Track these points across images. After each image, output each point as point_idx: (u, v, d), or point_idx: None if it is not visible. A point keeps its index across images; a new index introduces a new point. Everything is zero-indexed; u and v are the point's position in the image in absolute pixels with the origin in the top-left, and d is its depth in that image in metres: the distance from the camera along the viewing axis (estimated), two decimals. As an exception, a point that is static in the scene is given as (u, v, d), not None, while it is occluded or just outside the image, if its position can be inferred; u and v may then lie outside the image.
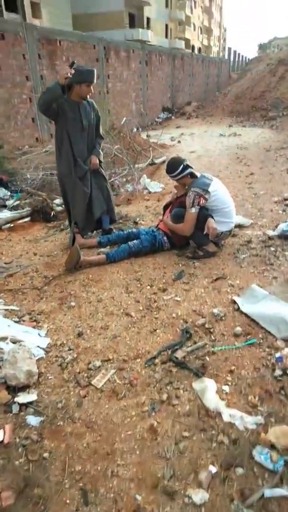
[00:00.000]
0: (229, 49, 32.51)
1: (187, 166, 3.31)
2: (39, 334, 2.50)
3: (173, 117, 17.39)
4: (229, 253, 3.40)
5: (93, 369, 2.17)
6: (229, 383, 2.00)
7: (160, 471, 1.61)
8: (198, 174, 3.37)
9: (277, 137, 10.73)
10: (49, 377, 2.16)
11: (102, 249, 3.61)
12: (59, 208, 4.97)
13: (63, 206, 3.99)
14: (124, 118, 7.92)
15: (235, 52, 34.74)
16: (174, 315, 2.57)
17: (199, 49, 45.50)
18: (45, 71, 10.04)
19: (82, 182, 3.60)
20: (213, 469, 1.57)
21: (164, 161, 8.08)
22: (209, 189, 3.19)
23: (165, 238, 3.53)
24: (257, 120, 14.58)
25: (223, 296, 2.73)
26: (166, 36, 36.13)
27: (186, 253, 3.42)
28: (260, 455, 1.58)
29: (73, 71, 3.23)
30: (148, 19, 31.28)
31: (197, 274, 3.09)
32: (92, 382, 2.08)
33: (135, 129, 13.32)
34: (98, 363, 2.20)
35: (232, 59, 33.43)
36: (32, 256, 3.69)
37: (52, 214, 4.75)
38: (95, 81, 3.42)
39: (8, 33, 8.53)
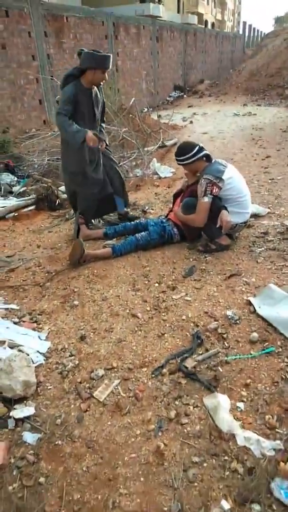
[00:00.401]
0: (244, 23, 31.19)
1: (201, 149, 3.06)
2: (39, 337, 2.33)
3: (185, 96, 16.82)
4: (243, 246, 3.17)
5: (95, 378, 2.01)
6: (244, 399, 1.81)
7: (167, 503, 1.45)
8: (213, 158, 3.12)
9: (294, 116, 10.24)
10: (49, 387, 2.00)
11: (109, 241, 3.40)
12: (64, 196, 4.75)
13: (67, 195, 3.78)
14: (133, 99, 7.56)
15: (250, 26, 33.37)
16: (184, 317, 2.37)
17: (213, 24, 43.84)
18: (51, 50, 9.67)
19: (93, 168, 3.42)
20: (225, 504, 1.39)
21: (175, 144, 7.77)
22: (223, 177, 2.93)
23: (175, 229, 3.30)
24: (273, 99, 13.98)
25: (238, 296, 2.52)
26: (178, 11, 34.82)
27: (198, 246, 3.20)
28: (280, 489, 1.40)
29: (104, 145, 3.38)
30: (159, -8, 30.10)
31: (209, 270, 2.87)
32: (94, 394, 1.92)
33: (145, 109, 12.89)
34: (101, 372, 2.03)
35: (247, 34, 32.14)
36: (35, 248, 3.52)
37: (57, 202, 4.55)
38: (110, 67, 3.20)
39: (12, 10, 8.17)
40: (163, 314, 2.43)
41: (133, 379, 1.99)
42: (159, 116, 11.57)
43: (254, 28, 35.65)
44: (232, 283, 2.67)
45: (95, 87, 3.33)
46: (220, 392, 1.86)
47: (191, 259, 3.05)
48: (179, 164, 3.16)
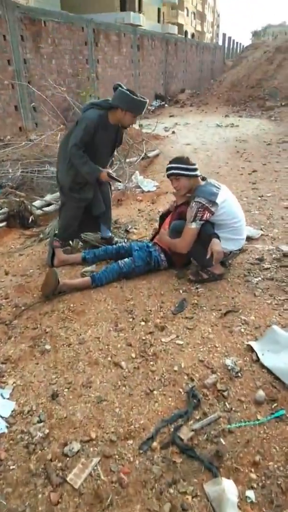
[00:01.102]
0: (224, 35, 31.51)
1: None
2: (1, 395, 1.93)
3: (166, 105, 16.67)
4: (238, 275, 2.85)
5: (69, 455, 1.62)
6: (254, 485, 1.47)
7: None
8: (207, 178, 2.81)
9: (277, 129, 10.16)
10: (11, 467, 1.60)
11: (87, 268, 3.02)
12: (38, 212, 4.35)
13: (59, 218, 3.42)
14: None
15: (229, 38, 33.78)
16: (176, 367, 2.01)
17: (192, 35, 44.34)
18: (28, 55, 9.27)
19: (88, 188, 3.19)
20: None
21: (157, 155, 7.48)
22: (217, 200, 2.61)
23: (162, 255, 2.96)
24: (254, 110, 13.97)
25: (237, 339, 2.19)
26: (159, 21, 35.01)
27: (188, 274, 2.86)
28: None
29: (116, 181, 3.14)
30: (140, 2, 30.20)
31: (202, 304, 2.53)
32: (68, 479, 1.53)
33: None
34: (76, 446, 1.65)
35: (226, 45, 32.50)
36: (2, 275, 3.10)
37: (30, 219, 4.14)
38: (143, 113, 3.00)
39: (-14, 11, 7.75)
40: (151, 363, 2.07)
41: (117, 456, 1.61)
42: (140, 126, 11.32)
43: (233, 40, 36.13)
44: (228, 322, 2.34)
45: (120, 127, 3.08)
46: (224, 473, 1.51)
47: (180, 291, 2.71)
48: (174, 173, 2.76)
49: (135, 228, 3.89)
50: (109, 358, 2.13)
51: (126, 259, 2.90)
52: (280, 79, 15.73)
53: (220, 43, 34.08)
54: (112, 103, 2.88)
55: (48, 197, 4.79)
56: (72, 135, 2.95)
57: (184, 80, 20.77)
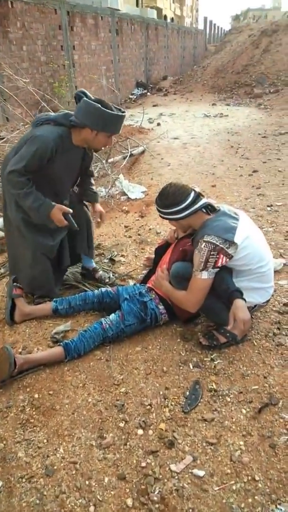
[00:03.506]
0: (205, 18, 30.40)
1: (198, 196, 1.95)
2: None
3: (148, 94, 15.70)
4: (266, 334, 2.10)
5: None
6: None
7: None
8: (218, 207, 2.02)
9: (269, 119, 9.39)
10: None
11: (59, 328, 2.22)
12: (1, 234, 3.50)
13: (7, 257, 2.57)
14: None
15: (211, 22, 32.68)
16: (198, 532, 1.26)
17: (172, 19, 42.92)
18: (-6, 40, 8.24)
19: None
20: None
21: (143, 152, 6.64)
22: (236, 239, 1.84)
23: (160, 307, 2.18)
24: (242, 98, 13.18)
25: (285, 462, 1.44)
26: (137, 5, 33.61)
27: (199, 337, 2.09)
28: None
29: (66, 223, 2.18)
30: (117, -16, 28.77)
31: (224, 390, 1.77)
32: None
33: (106, 109, 11.66)
34: None
35: (208, 30, 31.43)
36: None
37: (-10, 246, 3.29)
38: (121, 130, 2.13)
39: None
40: (159, 521, 1.31)
41: None
42: (122, 117, 10.41)
43: (214, 24, 35.02)
44: (267, 426, 1.58)
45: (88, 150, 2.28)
46: None
47: (190, 365, 1.94)
48: (163, 217, 2.02)
49: (122, 256, 3.10)
50: (92, 508, 1.36)
51: (112, 316, 2.12)
52: (267, 64, 14.91)
53: (201, 27, 32.98)
54: (75, 121, 2.04)
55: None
56: (15, 156, 2.09)
57: (166, 67, 19.77)
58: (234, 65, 15.98)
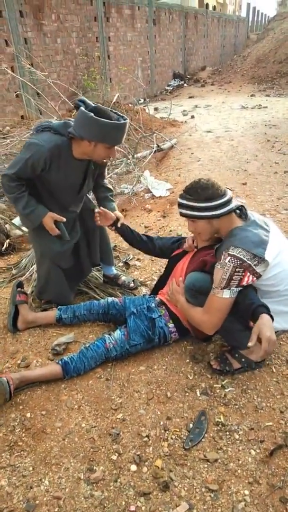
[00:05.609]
0: (248, 5, 29.21)
1: (230, 199, 1.71)
2: None
3: (185, 85, 15.31)
4: (284, 358, 1.86)
5: None
6: None
7: None
8: (249, 214, 1.78)
9: (312, 110, 8.83)
10: None
11: (62, 339, 2.08)
12: (18, 232, 3.43)
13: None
14: (117, 94, 6.10)
15: (254, 8, 31.34)
16: None
17: (214, 8, 41.74)
18: (29, 33, 8.22)
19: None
20: None
21: (173, 146, 6.40)
22: (266, 255, 1.61)
23: (170, 325, 1.99)
24: (283, 88, 12.56)
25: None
26: (178, -7, 32.84)
27: (210, 357, 1.89)
28: None
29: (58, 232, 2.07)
30: (157, -28, 28.22)
31: (232, 425, 1.57)
32: None
33: (141, 100, 11.46)
34: None
35: (250, 17, 30.20)
36: None
37: (5, 244, 3.21)
38: (123, 141, 1.95)
39: (-26, -18, 6.74)
40: None
41: None
42: (155, 109, 10.18)
43: (258, 11, 33.55)
44: (278, 474, 1.37)
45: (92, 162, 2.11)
46: None
47: (198, 391, 1.74)
48: (184, 214, 1.79)
49: (137, 260, 2.92)
50: None
51: (117, 334, 1.94)
52: (312, 52, 14.11)
53: (244, 14, 31.76)
54: (73, 133, 1.86)
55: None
56: (12, 160, 2.00)
57: (205, 57, 19.19)
58: (276, 54, 15.23)
